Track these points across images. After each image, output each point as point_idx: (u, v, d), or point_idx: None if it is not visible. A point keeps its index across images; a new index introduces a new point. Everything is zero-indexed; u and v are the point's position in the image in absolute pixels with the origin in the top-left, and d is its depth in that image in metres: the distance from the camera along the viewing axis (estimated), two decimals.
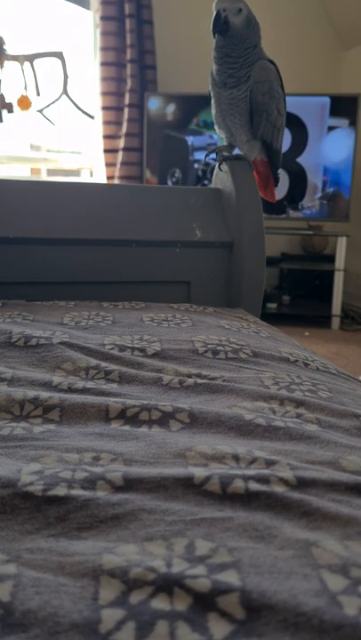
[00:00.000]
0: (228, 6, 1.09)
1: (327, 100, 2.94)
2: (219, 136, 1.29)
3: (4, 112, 2.50)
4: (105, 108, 2.99)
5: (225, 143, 1.29)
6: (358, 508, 0.40)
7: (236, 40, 1.12)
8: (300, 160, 3.01)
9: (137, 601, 0.30)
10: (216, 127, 1.26)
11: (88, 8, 3.06)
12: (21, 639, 0.28)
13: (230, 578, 0.31)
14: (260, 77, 1.14)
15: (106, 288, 1.17)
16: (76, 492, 0.40)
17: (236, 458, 0.46)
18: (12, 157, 3.19)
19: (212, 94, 1.21)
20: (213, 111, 1.23)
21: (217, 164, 1.29)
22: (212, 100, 1.22)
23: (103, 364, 0.70)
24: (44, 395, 0.59)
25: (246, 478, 0.42)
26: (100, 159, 3.08)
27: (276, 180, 1.32)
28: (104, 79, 2.96)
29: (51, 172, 3.33)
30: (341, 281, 2.99)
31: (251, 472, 0.43)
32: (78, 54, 3.07)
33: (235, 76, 1.14)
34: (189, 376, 0.68)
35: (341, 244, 2.95)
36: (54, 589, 0.31)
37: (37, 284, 1.14)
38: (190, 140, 2.98)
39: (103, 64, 2.95)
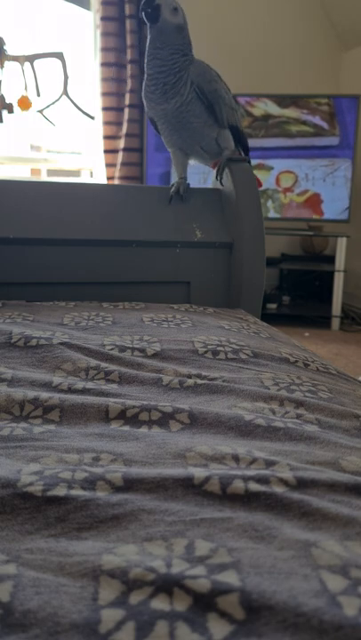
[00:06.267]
0: (165, 12, 1.08)
1: None
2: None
3: (5, 112, 2.50)
4: (105, 109, 3.00)
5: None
6: (358, 508, 0.40)
7: (164, 38, 1.10)
8: None
9: (137, 601, 0.30)
10: (171, 150, 1.25)
11: (88, 9, 3.06)
12: (21, 639, 0.28)
13: (230, 578, 0.31)
14: (198, 70, 1.14)
15: (106, 288, 1.17)
16: (76, 492, 0.40)
17: (236, 458, 0.46)
18: (12, 158, 3.19)
19: (154, 117, 1.19)
20: (164, 133, 1.21)
21: (215, 175, 1.28)
22: (158, 124, 1.20)
23: (103, 365, 0.70)
24: (44, 395, 0.59)
25: (246, 479, 0.42)
26: (100, 160, 3.09)
27: (250, 163, 1.32)
28: (104, 80, 2.97)
29: (51, 172, 3.33)
30: (341, 281, 2.99)
31: (251, 472, 0.43)
32: (79, 55, 3.07)
33: (170, 83, 1.12)
34: (189, 376, 0.68)
35: (341, 244, 2.96)
36: (54, 589, 0.31)
37: (37, 284, 1.14)
38: None
39: (103, 64, 2.95)
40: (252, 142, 3.00)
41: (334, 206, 3.01)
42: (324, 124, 2.95)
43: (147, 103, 1.18)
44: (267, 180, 3.00)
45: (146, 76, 1.15)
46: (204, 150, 1.24)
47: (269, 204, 3.04)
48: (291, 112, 2.96)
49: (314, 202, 3.02)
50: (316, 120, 2.95)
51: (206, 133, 1.20)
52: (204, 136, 1.21)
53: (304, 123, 2.97)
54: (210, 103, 1.16)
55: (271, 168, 3.00)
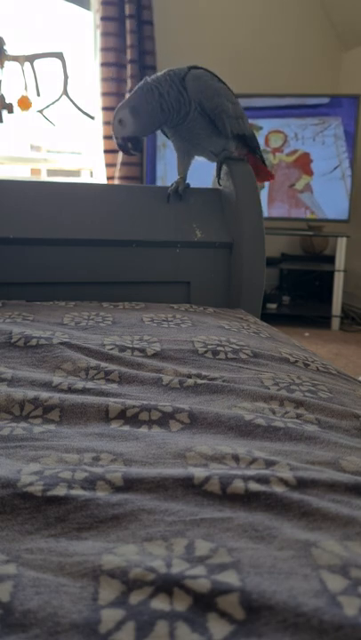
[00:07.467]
0: (118, 134, 1.17)
1: None
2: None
3: (5, 112, 2.50)
4: (105, 109, 2.99)
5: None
6: (358, 508, 0.40)
7: (143, 122, 1.14)
8: None
9: (137, 601, 0.30)
10: (178, 153, 1.27)
11: (88, 9, 3.06)
12: (21, 639, 0.28)
13: (230, 578, 0.31)
14: (198, 87, 1.14)
15: (106, 288, 1.17)
16: (76, 492, 0.40)
17: (236, 458, 0.46)
18: (12, 158, 3.19)
19: (168, 134, 1.24)
20: (174, 140, 1.24)
21: (216, 178, 1.29)
22: (168, 133, 1.23)
23: (103, 365, 0.70)
24: (44, 395, 0.59)
25: (246, 478, 0.42)
26: (100, 159, 3.08)
27: (263, 160, 1.33)
28: (104, 80, 2.97)
29: (51, 172, 3.33)
30: (341, 281, 2.99)
31: (250, 472, 0.43)
32: (78, 55, 3.07)
33: (178, 113, 1.15)
34: (189, 376, 0.68)
35: (341, 244, 2.96)
36: (54, 589, 0.31)
37: (37, 284, 1.14)
38: None
39: (103, 64, 2.95)
40: (238, 98, 2.97)
41: (323, 165, 2.97)
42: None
43: (159, 125, 1.21)
44: None
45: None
46: (215, 154, 1.26)
47: None
48: None
49: (303, 162, 2.98)
50: None
51: (214, 141, 1.22)
52: (212, 143, 1.22)
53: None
54: (212, 119, 1.17)
55: (260, 128, 2.97)
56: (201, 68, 1.17)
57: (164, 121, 1.16)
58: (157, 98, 1.12)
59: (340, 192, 2.99)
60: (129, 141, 1.17)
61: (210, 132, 1.19)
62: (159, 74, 1.15)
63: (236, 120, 1.21)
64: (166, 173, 2.99)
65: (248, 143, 1.27)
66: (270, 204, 3.06)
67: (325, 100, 2.93)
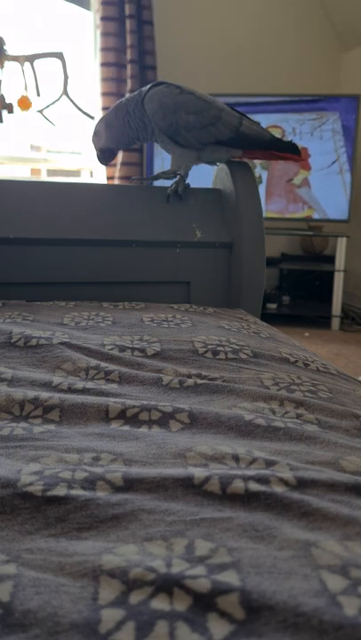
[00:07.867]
0: (95, 144, 1.24)
1: None
2: None
3: (5, 112, 2.50)
4: (105, 109, 2.99)
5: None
6: (358, 508, 0.40)
7: (115, 136, 1.21)
8: None
9: (137, 601, 0.30)
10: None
11: (88, 9, 3.06)
12: (21, 639, 0.28)
13: (230, 578, 0.31)
14: (151, 108, 1.15)
15: (106, 288, 1.17)
16: (76, 492, 0.40)
17: (236, 458, 0.46)
18: (12, 158, 3.19)
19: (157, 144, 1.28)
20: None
21: (215, 178, 1.28)
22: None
23: (103, 365, 0.70)
24: (44, 395, 0.59)
25: (246, 478, 0.42)
26: None
27: (288, 146, 1.26)
28: (104, 80, 2.97)
29: (51, 172, 3.33)
30: (341, 281, 2.99)
31: (250, 472, 0.43)
32: (78, 55, 3.07)
33: (144, 130, 1.20)
34: (189, 376, 0.68)
35: (341, 244, 2.96)
36: (54, 589, 0.31)
37: (37, 284, 1.14)
38: None
39: (103, 64, 2.95)
40: (238, 97, 3.01)
41: (321, 160, 2.97)
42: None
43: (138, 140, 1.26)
44: None
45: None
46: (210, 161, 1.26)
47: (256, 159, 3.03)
48: None
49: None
50: None
51: (172, 151, 1.23)
52: (200, 153, 1.22)
53: None
54: (170, 137, 1.17)
55: (258, 123, 3.00)
56: (163, 84, 1.16)
57: (135, 136, 1.21)
58: (125, 115, 1.18)
59: (338, 187, 2.99)
60: (104, 152, 1.24)
61: (172, 146, 1.20)
62: (134, 92, 1.20)
63: (203, 130, 1.15)
64: (164, 169, 2.99)
65: (236, 144, 1.19)
66: (268, 199, 3.06)
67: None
